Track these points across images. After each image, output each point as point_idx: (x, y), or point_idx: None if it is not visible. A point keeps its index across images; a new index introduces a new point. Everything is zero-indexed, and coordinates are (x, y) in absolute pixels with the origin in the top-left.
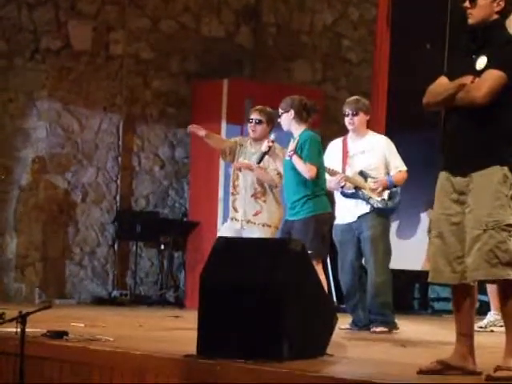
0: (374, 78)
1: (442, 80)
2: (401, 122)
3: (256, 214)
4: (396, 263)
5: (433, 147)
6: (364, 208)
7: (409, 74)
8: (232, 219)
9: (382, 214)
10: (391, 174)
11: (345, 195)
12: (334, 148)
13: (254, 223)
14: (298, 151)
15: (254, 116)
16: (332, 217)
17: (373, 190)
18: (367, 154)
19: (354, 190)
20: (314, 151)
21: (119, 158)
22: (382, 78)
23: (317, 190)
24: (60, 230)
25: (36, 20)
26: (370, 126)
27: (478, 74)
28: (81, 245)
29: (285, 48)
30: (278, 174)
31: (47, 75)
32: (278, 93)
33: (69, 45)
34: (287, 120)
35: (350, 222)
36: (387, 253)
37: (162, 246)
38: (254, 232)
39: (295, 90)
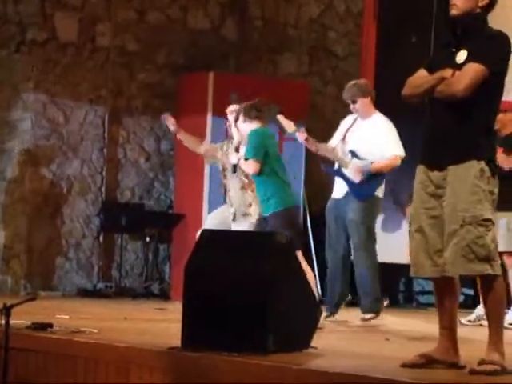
0: (361, 71)
1: (422, 72)
2: (387, 115)
3: (250, 206)
4: (381, 256)
5: (418, 141)
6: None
7: (395, 67)
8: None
9: (365, 198)
10: (377, 160)
11: (329, 172)
12: (345, 123)
13: (250, 214)
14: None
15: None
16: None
17: (352, 172)
18: (364, 137)
19: (337, 167)
20: (254, 147)
21: (104, 150)
22: (369, 70)
23: (274, 187)
24: (45, 221)
25: (22, 12)
26: None
27: (459, 67)
28: (66, 237)
29: (271, 41)
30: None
31: (33, 67)
32: (263, 86)
33: (55, 37)
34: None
35: (338, 197)
36: (367, 237)
37: (148, 239)
38: (243, 224)
39: (281, 83)
